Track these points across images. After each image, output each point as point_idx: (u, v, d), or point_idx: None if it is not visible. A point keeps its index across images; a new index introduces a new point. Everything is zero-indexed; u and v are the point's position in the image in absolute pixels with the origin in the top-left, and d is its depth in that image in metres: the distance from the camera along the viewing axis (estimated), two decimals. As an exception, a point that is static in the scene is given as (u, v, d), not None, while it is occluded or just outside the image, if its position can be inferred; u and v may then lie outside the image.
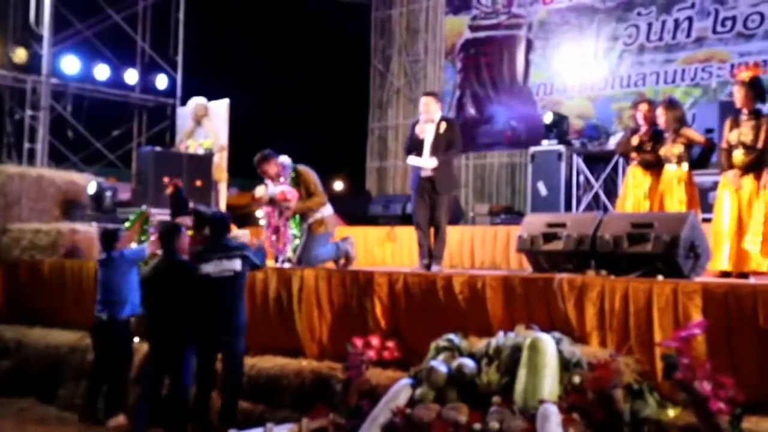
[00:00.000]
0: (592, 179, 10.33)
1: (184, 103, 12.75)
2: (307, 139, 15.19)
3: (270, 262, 7.25)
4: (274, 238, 7.55)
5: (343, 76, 15.25)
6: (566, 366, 4.60)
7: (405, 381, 5.00)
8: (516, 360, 4.67)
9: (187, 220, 7.22)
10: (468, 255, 9.39)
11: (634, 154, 7.07)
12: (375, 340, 5.71)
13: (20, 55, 12.35)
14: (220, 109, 11.06)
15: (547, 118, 10.75)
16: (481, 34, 13.18)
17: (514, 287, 5.35)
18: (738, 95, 6.33)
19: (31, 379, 7.90)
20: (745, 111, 6.32)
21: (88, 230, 9.34)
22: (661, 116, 6.82)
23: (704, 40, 10.67)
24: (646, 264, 5.25)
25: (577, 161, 10.32)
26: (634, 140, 7.01)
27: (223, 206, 10.19)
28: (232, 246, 5.88)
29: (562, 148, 10.31)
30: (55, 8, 12.10)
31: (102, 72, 13.21)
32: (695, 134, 6.94)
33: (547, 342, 4.66)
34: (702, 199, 7.18)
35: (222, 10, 14.85)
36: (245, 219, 10.57)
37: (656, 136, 6.93)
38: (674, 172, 6.73)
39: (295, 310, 6.45)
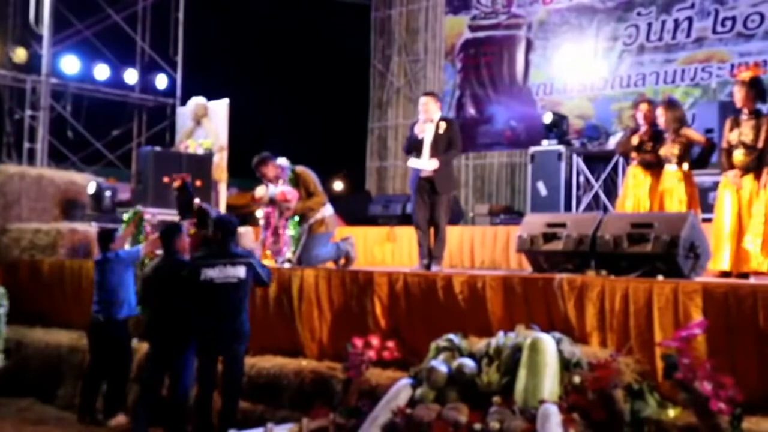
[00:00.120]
0: (592, 179, 10.33)
1: (183, 103, 12.75)
2: (307, 139, 15.20)
3: (269, 262, 7.25)
4: (272, 239, 7.55)
5: (343, 76, 15.24)
6: (566, 366, 4.60)
7: (405, 381, 5.00)
8: (516, 360, 4.67)
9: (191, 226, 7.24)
10: (468, 255, 9.38)
11: (634, 154, 7.07)
12: (375, 340, 5.71)
13: (20, 54, 12.35)
14: (220, 109, 11.05)
15: (547, 118, 10.74)
16: (481, 34, 13.18)
17: (514, 287, 5.35)
18: (738, 95, 6.33)
19: (31, 379, 7.90)
20: (745, 111, 6.32)
21: (88, 230, 9.34)
22: (661, 116, 6.83)
23: (704, 40, 10.66)
24: (646, 264, 5.25)
25: (577, 161, 10.31)
26: (634, 140, 7.01)
27: (222, 206, 10.18)
28: (237, 253, 5.84)
29: (562, 148, 10.31)
30: (55, 8, 12.10)
31: (102, 72, 13.21)
32: (695, 134, 6.94)
33: (548, 342, 4.66)
34: (702, 199, 7.19)
35: (222, 10, 14.84)
36: (245, 219, 10.56)
37: (656, 136, 6.93)
38: (674, 172, 6.73)
39: (295, 310, 6.45)
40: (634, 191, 7.00)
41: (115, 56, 13.51)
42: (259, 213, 7.77)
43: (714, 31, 10.58)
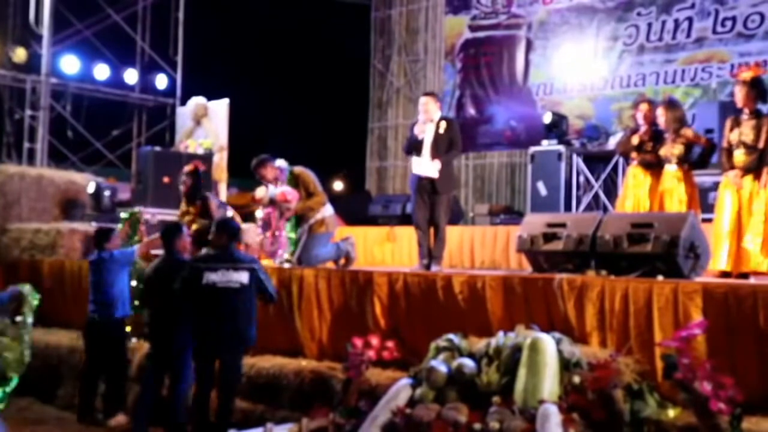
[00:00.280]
0: (592, 179, 10.32)
1: (183, 102, 12.77)
2: (307, 139, 15.22)
3: (268, 263, 7.25)
4: (270, 240, 7.55)
5: (343, 76, 15.24)
6: (566, 366, 4.60)
7: (405, 381, 5.00)
8: (516, 360, 4.67)
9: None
10: (468, 255, 9.38)
11: (634, 154, 7.06)
12: (375, 340, 5.71)
13: (20, 54, 12.36)
14: (220, 109, 11.08)
15: (547, 118, 10.74)
16: (481, 34, 13.17)
17: (514, 287, 5.35)
18: (739, 95, 6.32)
19: (31, 378, 7.87)
20: (746, 111, 6.32)
21: (88, 230, 9.34)
22: (662, 116, 6.82)
23: (704, 40, 10.66)
24: (646, 264, 5.25)
25: (577, 161, 10.31)
26: (634, 140, 7.01)
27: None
28: (240, 258, 5.81)
29: (561, 148, 10.30)
30: (55, 8, 12.11)
31: (102, 72, 13.22)
32: (695, 134, 6.94)
33: (547, 342, 4.66)
34: (702, 199, 7.18)
35: (222, 10, 14.84)
36: (245, 219, 10.56)
37: (656, 136, 6.92)
38: (674, 172, 6.73)
39: (295, 310, 6.45)
40: (634, 191, 7.00)
41: (115, 56, 13.52)
42: (259, 213, 7.78)
43: (714, 32, 10.57)
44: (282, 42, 15.75)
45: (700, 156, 6.83)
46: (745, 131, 6.27)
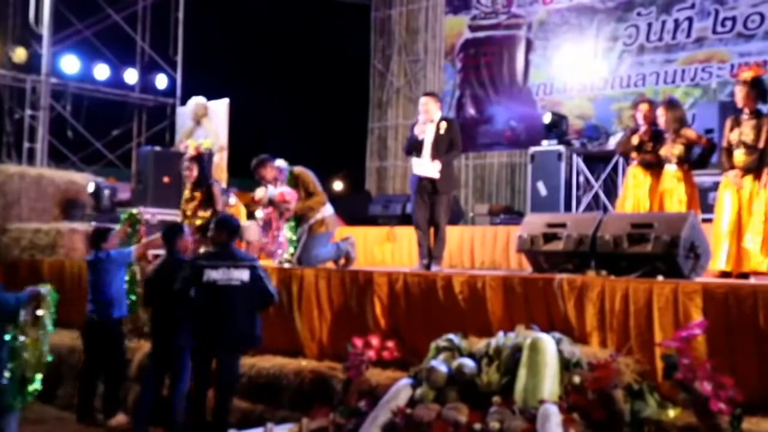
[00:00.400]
0: (592, 179, 10.32)
1: (183, 102, 12.76)
2: (307, 139, 15.21)
3: (268, 262, 7.25)
4: (269, 240, 7.55)
5: (343, 76, 15.24)
6: (566, 366, 4.60)
7: (405, 381, 5.00)
8: (516, 360, 4.67)
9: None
10: (468, 255, 9.37)
11: (634, 154, 7.06)
12: (375, 340, 5.71)
13: (20, 54, 12.36)
14: (220, 108, 11.07)
15: (547, 118, 10.74)
16: (481, 34, 13.17)
17: (514, 287, 5.35)
18: (740, 95, 6.32)
19: (31, 378, 7.89)
20: (746, 111, 6.32)
21: (88, 230, 9.33)
22: (662, 116, 6.82)
23: (704, 40, 10.66)
24: (646, 264, 5.24)
25: (577, 161, 10.31)
26: (634, 140, 7.00)
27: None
28: (241, 256, 5.81)
29: (561, 148, 10.30)
30: (55, 8, 12.11)
31: (102, 72, 13.22)
32: (695, 134, 6.93)
33: (548, 342, 4.66)
34: (702, 199, 7.18)
35: (222, 10, 14.84)
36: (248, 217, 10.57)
37: (656, 136, 6.92)
38: (674, 172, 6.73)
39: (295, 310, 6.45)
40: (634, 191, 7.00)
41: (115, 56, 13.52)
42: (259, 213, 7.77)
43: (714, 32, 10.57)
44: (282, 42, 15.74)
45: (700, 156, 6.83)
46: (745, 131, 6.27)
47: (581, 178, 10.34)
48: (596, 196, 10.30)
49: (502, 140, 12.81)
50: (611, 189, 10.09)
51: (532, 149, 10.64)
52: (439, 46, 13.80)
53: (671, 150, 6.72)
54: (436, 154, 6.90)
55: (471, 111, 13.16)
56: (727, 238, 6.25)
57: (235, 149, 10.88)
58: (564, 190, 10.11)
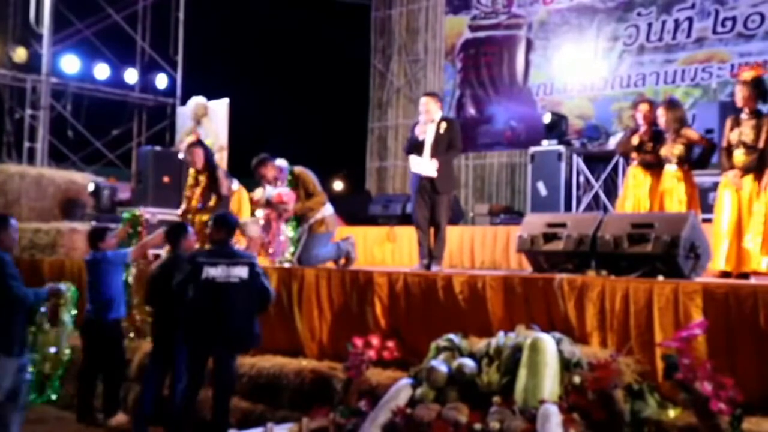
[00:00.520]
0: (592, 179, 10.32)
1: (183, 102, 12.76)
2: (307, 139, 15.20)
3: (265, 262, 7.24)
4: (266, 240, 7.55)
5: (343, 76, 15.24)
6: (566, 366, 4.60)
7: (405, 381, 5.00)
8: (516, 360, 4.67)
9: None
10: (468, 255, 9.38)
11: (634, 155, 7.06)
12: (375, 340, 5.71)
13: (20, 54, 12.37)
14: (220, 108, 11.06)
15: (547, 119, 10.74)
16: (481, 34, 13.17)
17: (514, 287, 5.35)
18: (740, 95, 6.32)
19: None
20: (746, 110, 6.31)
21: (88, 230, 9.34)
22: (662, 116, 6.82)
23: (704, 40, 10.66)
24: (646, 264, 5.25)
25: (577, 161, 10.31)
26: (635, 140, 7.00)
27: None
28: (239, 254, 5.80)
29: (562, 148, 10.30)
30: (55, 7, 12.12)
31: (102, 71, 13.22)
32: (695, 134, 6.93)
33: (548, 342, 4.66)
34: (702, 199, 7.18)
35: (222, 10, 14.84)
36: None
37: (656, 136, 6.92)
38: (674, 172, 6.73)
39: (295, 310, 6.45)
40: (634, 191, 7.00)
41: (115, 56, 13.53)
42: (259, 213, 7.77)
43: (714, 32, 10.57)
44: (282, 42, 15.74)
45: (700, 156, 6.83)
46: (745, 131, 6.26)
47: (581, 178, 10.34)
48: (596, 196, 10.30)
49: (502, 140, 12.81)
50: (611, 189, 10.09)
51: (532, 149, 10.64)
52: (439, 46, 13.80)
53: (671, 150, 6.72)
54: (436, 154, 6.90)
55: (471, 111, 13.16)
56: (727, 238, 6.25)
57: (235, 149, 10.87)
58: (564, 190, 10.11)
